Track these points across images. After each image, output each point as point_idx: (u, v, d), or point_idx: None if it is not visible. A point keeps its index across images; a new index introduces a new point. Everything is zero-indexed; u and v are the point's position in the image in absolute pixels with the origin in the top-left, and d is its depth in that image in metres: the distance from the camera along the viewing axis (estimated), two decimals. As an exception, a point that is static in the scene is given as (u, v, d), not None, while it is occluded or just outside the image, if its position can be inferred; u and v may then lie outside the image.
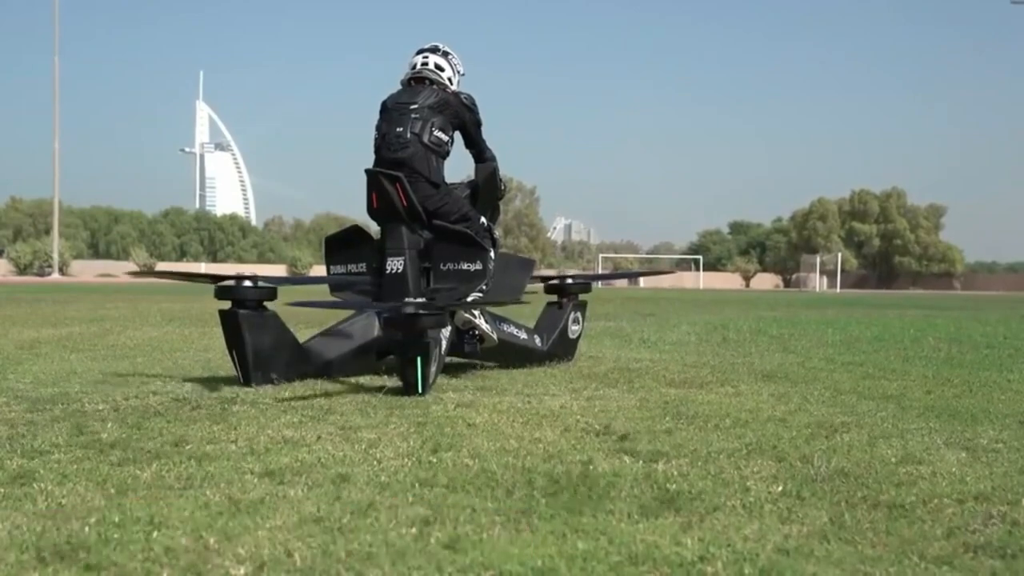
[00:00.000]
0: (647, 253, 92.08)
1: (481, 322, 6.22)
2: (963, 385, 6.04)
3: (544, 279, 7.88)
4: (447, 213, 6.01)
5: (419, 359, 5.29)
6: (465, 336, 6.25)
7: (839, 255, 77.09)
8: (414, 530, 2.51)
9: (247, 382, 5.57)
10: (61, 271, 64.82)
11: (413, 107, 5.99)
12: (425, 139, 5.93)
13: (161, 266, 78.99)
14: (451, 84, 6.26)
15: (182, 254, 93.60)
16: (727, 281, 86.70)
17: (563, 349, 7.30)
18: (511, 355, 6.82)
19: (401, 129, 5.94)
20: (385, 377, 5.91)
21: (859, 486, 3.08)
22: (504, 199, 6.97)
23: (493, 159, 6.51)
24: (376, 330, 6.11)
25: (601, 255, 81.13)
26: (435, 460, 3.40)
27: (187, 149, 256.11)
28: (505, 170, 6.75)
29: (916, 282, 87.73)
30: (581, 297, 7.65)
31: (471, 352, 6.39)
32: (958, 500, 2.91)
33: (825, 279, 71.38)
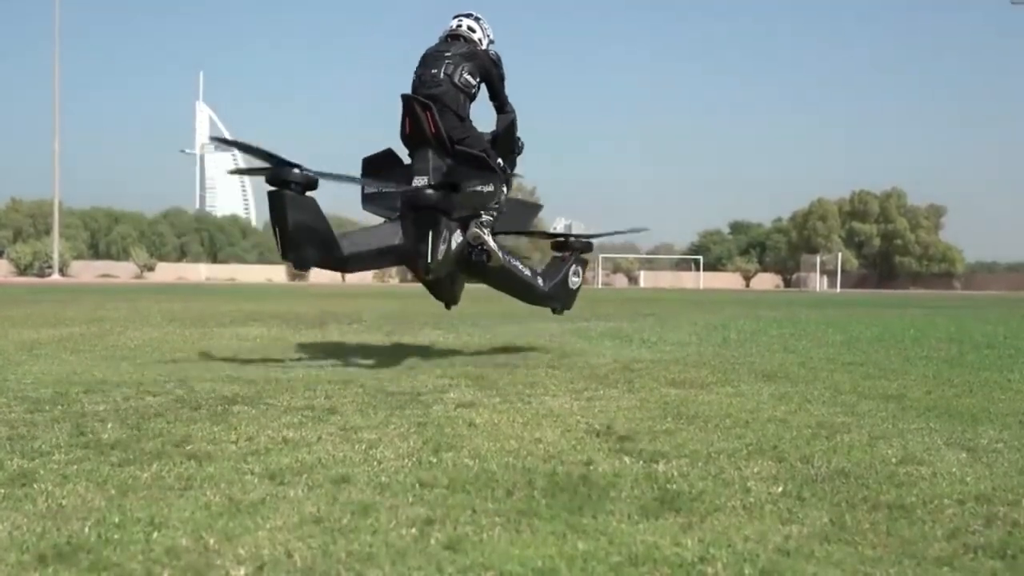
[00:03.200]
0: (647, 253, 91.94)
1: (489, 240, 7.04)
2: (963, 385, 6.04)
3: (549, 235, 8.67)
4: (469, 144, 6.84)
5: (430, 233, 6.52)
6: (474, 250, 7.06)
7: (839, 255, 77.08)
8: (414, 531, 2.51)
9: (284, 256, 6.42)
10: (61, 272, 64.79)
11: (447, 54, 7.00)
12: (456, 79, 6.89)
13: (161, 268, 78.98)
14: (480, 44, 7.24)
15: (182, 254, 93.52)
16: (727, 281, 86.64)
17: (563, 295, 8.17)
18: (515, 285, 7.73)
19: (436, 71, 6.91)
20: (385, 380, 5.90)
21: (859, 486, 3.08)
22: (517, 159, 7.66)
23: (512, 112, 7.41)
24: (399, 238, 6.82)
25: (602, 255, 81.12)
26: (435, 460, 3.40)
27: (187, 150, 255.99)
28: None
29: (916, 282, 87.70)
30: (581, 255, 8.38)
31: (478, 261, 7.13)
32: (958, 501, 2.92)
33: (825, 279, 71.38)
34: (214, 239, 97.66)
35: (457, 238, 6.82)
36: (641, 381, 5.96)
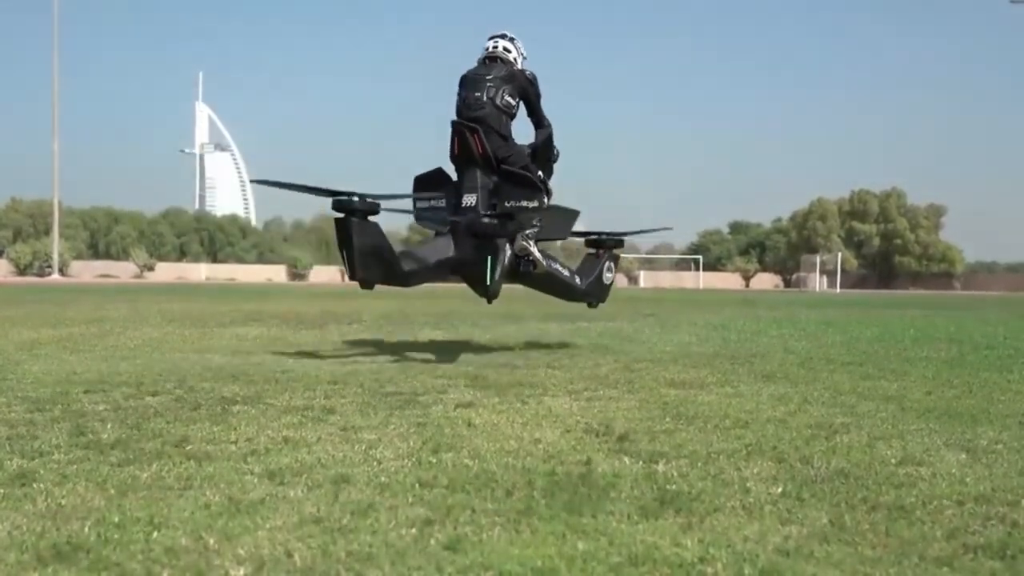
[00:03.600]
0: (647, 253, 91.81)
1: (535, 251, 7.62)
2: (963, 386, 6.04)
3: (583, 234, 9.08)
4: (513, 162, 7.44)
5: (489, 258, 7.23)
6: (522, 260, 7.63)
7: (839, 255, 77.08)
8: (414, 531, 2.51)
9: (352, 276, 7.02)
10: (61, 272, 64.81)
11: (488, 77, 7.51)
12: (497, 102, 7.45)
13: (161, 268, 78.98)
14: (516, 63, 7.77)
15: (182, 254, 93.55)
16: (727, 281, 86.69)
17: (598, 291, 8.84)
18: (556, 287, 8.41)
19: (479, 94, 7.45)
20: (385, 380, 5.90)
21: (859, 487, 3.08)
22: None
23: (549, 126, 7.92)
24: (451, 251, 7.45)
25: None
26: (435, 461, 3.41)
27: (187, 150, 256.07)
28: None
29: (916, 282, 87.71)
30: (614, 251, 9.04)
31: (525, 272, 7.73)
32: (958, 501, 2.92)
33: (825, 279, 71.36)
34: (214, 239, 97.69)
35: (507, 252, 7.48)
36: (641, 381, 5.97)
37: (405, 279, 7.26)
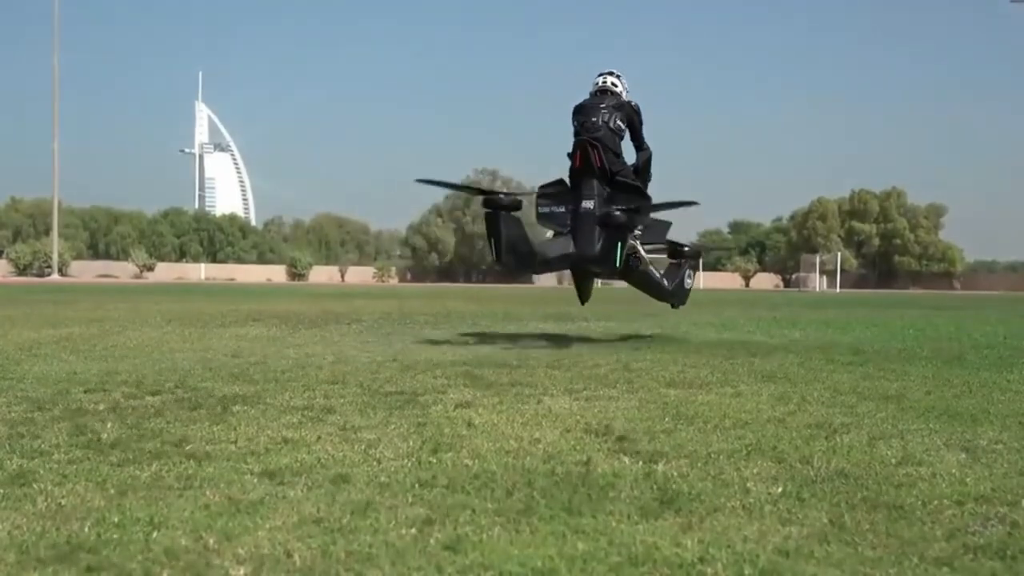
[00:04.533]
0: (647, 253, 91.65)
1: (640, 249, 9.37)
2: (963, 385, 6.04)
3: (671, 243, 10.30)
4: (623, 175, 8.85)
5: (619, 243, 8.46)
6: (630, 257, 9.05)
7: (839, 255, 77.10)
8: (414, 530, 2.51)
9: (497, 260, 8.66)
10: (60, 271, 64.82)
11: (602, 106, 9.05)
12: (611, 125, 8.95)
13: (161, 268, 78.99)
14: (623, 95, 9.32)
15: (182, 254, 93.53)
16: (727, 281, 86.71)
17: (680, 294, 10.27)
18: (651, 285, 9.88)
19: (595, 119, 8.95)
20: (384, 380, 5.90)
21: (859, 487, 3.08)
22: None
23: (648, 150, 9.37)
24: (571, 248, 8.72)
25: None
26: (435, 460, 3.41)
27: (187, 149, 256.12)
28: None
29: (916, 282, 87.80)
30: (693, 261, 10.56)
31: (632, 267, 9.30)
32: (958, 501, 2.92)
33: (825, 279, 71.33)
34: (213, 239, 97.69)
35: (630, 241, 8.89)
36: (640, 381, 5.97)
37: (536, 267, 9.13)
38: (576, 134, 8.98)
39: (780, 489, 3.03)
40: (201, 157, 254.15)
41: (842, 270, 75.88)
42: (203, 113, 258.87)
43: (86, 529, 2.49)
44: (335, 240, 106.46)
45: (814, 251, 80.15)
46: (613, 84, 9.34)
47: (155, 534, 2.45)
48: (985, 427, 4.38)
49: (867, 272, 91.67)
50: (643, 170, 9.27)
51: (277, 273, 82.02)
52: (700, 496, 2.92)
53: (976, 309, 23.64)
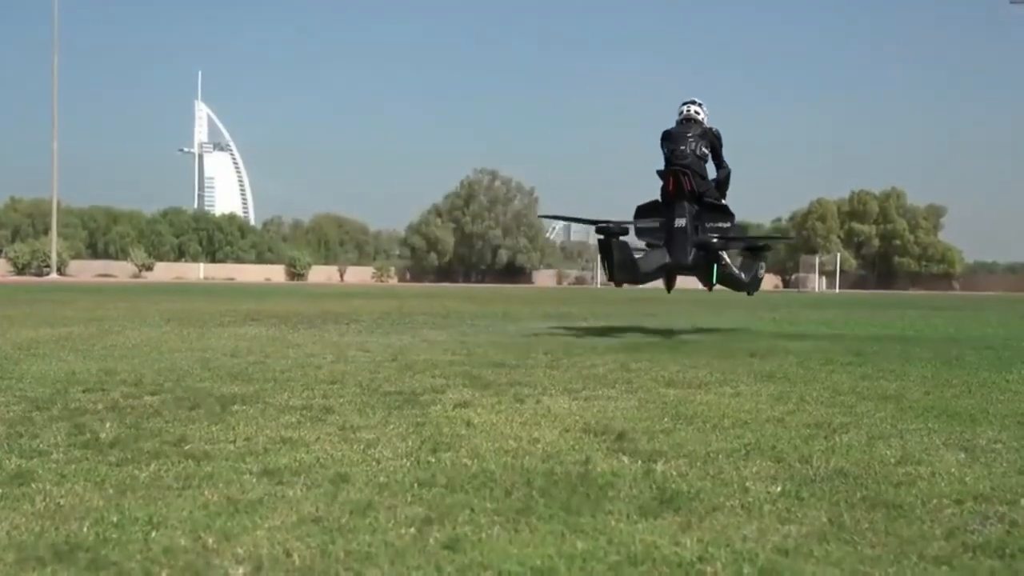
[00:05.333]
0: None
1: (726, 256, 10.87)
2: (962, 386, 6.04)
3: (750, 238, 12.89)
4: (710, 196, 10.42)
5: (714, 265, 10.52)
6: (718, 265, 10.63)
7: (838, 255, 77.11)
8: (413, 530, 2.51)
9: (611, 279, 10.32)
10: (59, 271, 64.81)
11: (688, 135, 10.44)
12: (697, 152, 10.39)
13: (160, 268, 79.01)
14: (705, 122, 10.67)
15: (181, 254, 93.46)
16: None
17: (754, 284, 11.65)
18: (733, 282, 11.26)
19: (683, 147, 10.37)
20: (383, 380, 5.90)
21: (858, 486, 3.08)
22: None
23: (728, 168, 10.80)
24: (667, 259, 10.31)
25: (600, 255, 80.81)
26: (434, 460, 3.41)
27: (186, 149, 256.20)
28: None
29: (915, 282, 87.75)
30: (764, 254, 12.06)
31: (721, 268, 10.79)
32: (957, 500, 2.92)
33: (824, 279, 71.36)
34: (212, 239, 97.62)
35: (724, 259, 10.85)
36: (639, 381, 5.97)
37: (641, 280, 10.44)
38: (667, 161, 10.44)
39: (779, 488, 3.03)
40: (200, 156, 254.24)
41: (841, 271, 75.94)
42: (203, 112, 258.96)
43: (85, 529, 2.48)
44: (334, 240, 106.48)
45: (813, 252, 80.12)
46: (696, 112, 10.70)
47: (154, 534, 2.45)
48: (984, 427, 4.38)
49: (866, 273, 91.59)
50: (723, 185, 10.82)
51: (276, 273, 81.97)
52: (699, 495, 2.92)
53: (975, 310, 23.63)
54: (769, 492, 2.98)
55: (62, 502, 2.75)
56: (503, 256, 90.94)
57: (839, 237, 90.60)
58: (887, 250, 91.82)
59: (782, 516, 2.71)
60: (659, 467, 3.33)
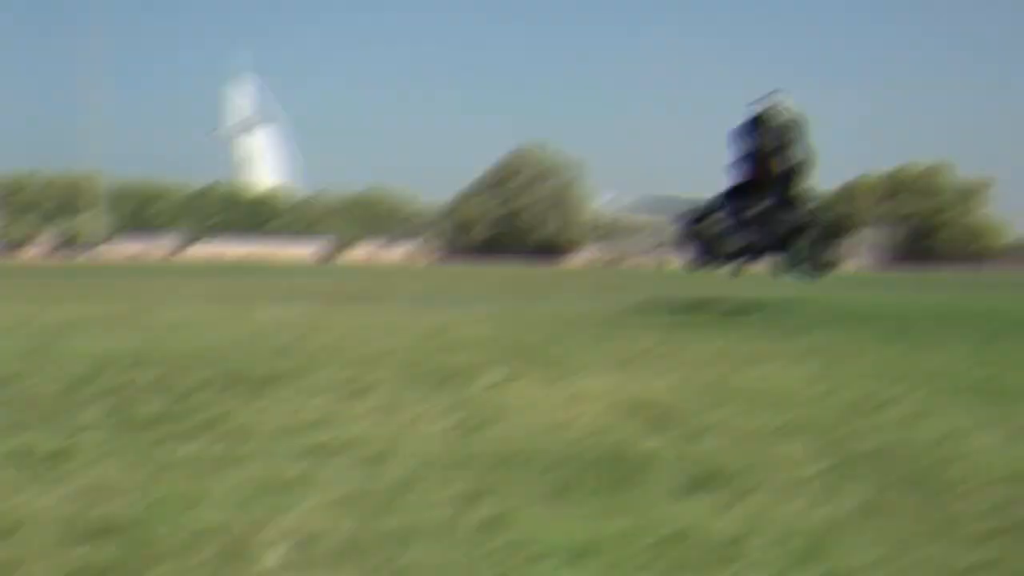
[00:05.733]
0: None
1: (806, 238, 11.33)
2: (1006, 364, 5.95)
3: (820, 223, 12.82)
4: (788, 182, 11.05)
5: (799, 247, 11.11)
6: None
7: (877, 233, 76.12)
8: (454, 507, 2.50)
9: (690, 263, 11.20)
10: (101, 248, 65.35)
11: (771, 124, 11.03)
12: (775, 142, 10.95)
13: (201, 244, 79.42)
14: (781, 114, 11.14)
15: (223, 229, 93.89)
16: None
17: (827, 268, 12.10)
18: (812, 265, 11.65)
19: (762, 139, 10.95)
20: (424, 357, 5.90)
21: (900, 464, 3.05)
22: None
23: (803, 156, 11.18)
24: (750, 239, 10.91)
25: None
26: (474, 438, 3.40)
27: (228, 124, 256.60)
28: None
29: (957, 260, 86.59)
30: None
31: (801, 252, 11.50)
32: (998, 479, 2.87)
33: (863, 258, 70.59)
34: (256, 213, 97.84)
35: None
36: (683, 357, 5.93)
37: (723, 261, 11.16)
38: (749, 152, 11.10)
39: (821, 466, 2.99)
40: (243, 131, 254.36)
41: (882, 248, 75.02)
42: (249, 86, 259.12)
43: (125, 506, 2.50)
44: (378, 215, 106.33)
45: (855, 229, 79.18)
46: (773, 105, 11.32)
47: (194, 511, 2.46)
48: (1028, 404, 4.31)
49: (907, 250, 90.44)
50: (799, 172, 11.33)
51: (319, 248, 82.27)
52: (740, 473, 2.90)
53: (1018, 287, 23.30)
54: (811, 470, 2.94)
55: (102, 479, 2.76)
56: (547, 231, 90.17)
57: (878, 215, 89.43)
58: (927, 227, 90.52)
59: (824, 494, 2.68)
60: (701, 445, 3.30)
